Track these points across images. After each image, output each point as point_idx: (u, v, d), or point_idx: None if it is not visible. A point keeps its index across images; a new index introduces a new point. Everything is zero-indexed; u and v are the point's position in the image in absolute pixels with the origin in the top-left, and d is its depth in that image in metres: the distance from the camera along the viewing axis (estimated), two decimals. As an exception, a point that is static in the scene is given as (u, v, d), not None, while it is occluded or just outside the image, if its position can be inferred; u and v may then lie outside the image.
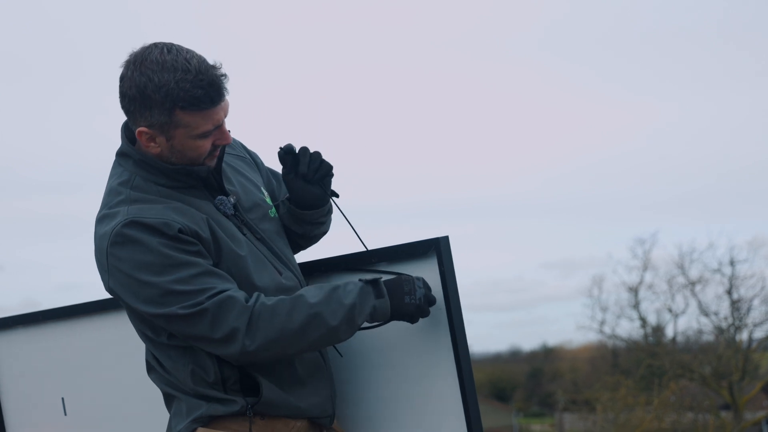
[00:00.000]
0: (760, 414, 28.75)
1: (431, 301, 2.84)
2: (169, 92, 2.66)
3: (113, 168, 2.88)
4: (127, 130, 2.86)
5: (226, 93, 2.72)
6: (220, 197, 2.87)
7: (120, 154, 2.86)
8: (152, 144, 2.76)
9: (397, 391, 3.00)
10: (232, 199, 2.88)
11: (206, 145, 2.77)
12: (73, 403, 3.82)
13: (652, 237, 33.27)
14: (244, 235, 2.86)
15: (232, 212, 2.87)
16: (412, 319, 2.83)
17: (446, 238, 2.88)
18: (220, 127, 2.76)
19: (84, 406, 3.79)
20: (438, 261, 2.87)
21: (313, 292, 2.74)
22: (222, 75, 2.71)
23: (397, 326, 2.93)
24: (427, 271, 2.89)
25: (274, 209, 3.01)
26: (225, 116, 2.76)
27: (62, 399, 3.83)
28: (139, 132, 2.74)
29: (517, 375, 35.28)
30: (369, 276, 2.80)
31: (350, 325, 2.75)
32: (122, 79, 2.73)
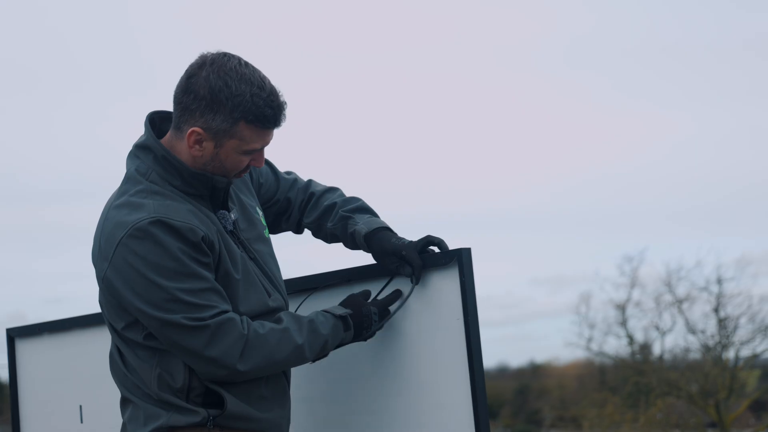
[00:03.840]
0: (747, 432, 28.78)
1: (386, 318, 2.98)
2: (243, 103, 2.73)
3: (129, 159, 2.87)
4: (153, 124, 2.87)
5: (284, 120, 2.80)
6: (222, 211, 2.89)
7: (141, 147, 2.86)
8: (197, 146, 2.78)
9: (407, 399, 3.04)
10: (232, 216, 2.91)
11: (245, 162, 2.82)
12: (91, 412, 3.83)
13: (639, 254, 33.26)
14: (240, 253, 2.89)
15: (231, 228, 2.89)
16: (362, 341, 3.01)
17: (468, 250, 2.93)
18: (261, 150, 2.83)
19: (101, 414, 3.80)
20: (459, 272, 2.92)
21: (294, 325, 2.83)
22: (285, 103, 2.80)
23: (410, 331, 3.00)
24: (447, 282, 2.94)
25: (268, 230, 3.04)
26: (269, 142, 2.83)
27: (80, 407, 3.85)
28: (192, 132, 2.76)
29: (504, 391, 35.16)
30: (338, 310, 2.91)
31: (320, 355, 2.91)
32: (192, 76, 2.76)
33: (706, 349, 28.62)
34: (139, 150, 2.86)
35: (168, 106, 2.87)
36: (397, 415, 3.06)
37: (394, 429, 3.07)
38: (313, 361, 2.91)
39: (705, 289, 28.82)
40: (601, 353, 30.32)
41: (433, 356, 2.99)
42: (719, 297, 28.59)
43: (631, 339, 29.57)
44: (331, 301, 3.10)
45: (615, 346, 30.13)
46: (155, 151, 2.82)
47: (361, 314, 2.93)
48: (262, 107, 2.75)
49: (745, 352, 28.30)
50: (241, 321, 2.76)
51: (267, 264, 2.95)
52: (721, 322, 28.31)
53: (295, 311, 3.18)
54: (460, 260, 2.92)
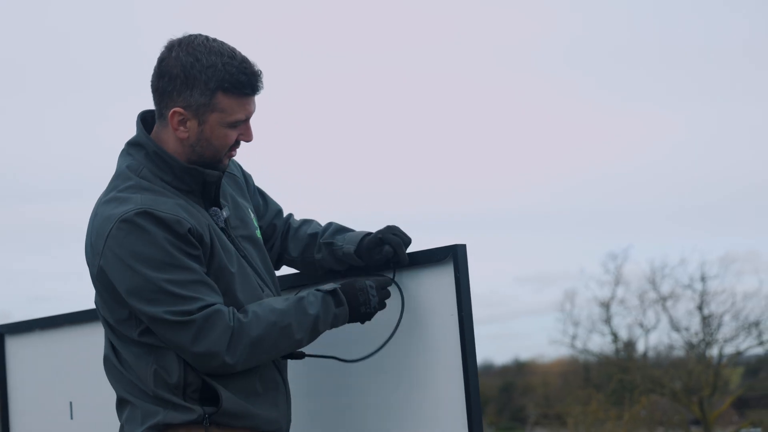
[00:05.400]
0: (730, 429, 28.90)
1: (386, 297, 2.95)
2: (216, 73, 2.75)
3: (120, 157, 2.88)
4: (144, 122, 2.88)
5: (262, 87, 2.81)
6: (214, 208, 2.89)
7: (132, 144, 2.87)
8: (181, 128, 2.79)
9: (401, 394, 3.05)
10: (224, 213, 2.91)
11: (232, 137, 2.82)
12: (81, 408, 3.83)
13: (624, 252, 33.35)
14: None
15: (223, 225, 2.89)
16: (364, 322, 2.93)
17: (463, 247, 2.95)
18: (246, 122, 2.83)
19: (91, 411, 3.81)
20: (454, 268, 2.93)
21: (281, 304, 2.79)
22: (260, 71, 2.81)
23: (404, 327, 2.99)
24: (442, 278, 2.96)
25: (259, 231, 3.03)
26: (253, 113, 2.83)
27: (70, 403, 3.84)
28: (173, 113, 2.78)
29: (489, 389, 35.20)
30: (327, 286, 2.86)
31: (313, 335, 2.84)
32: (163, 60, 2.79)
33: (690, 346, 28.72)
34: (131, 147, 2.87)
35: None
36: (391, 410, 3.06)
37: (389, 423, 3.07)
38: (307, 341, 2.84)
39: (689, 286, 28.92)
40: (585, 351, 30.41)
41: (428, 351, 3.00)
42: (703, 294, 28.69)
43: (615, 336, 29.64)
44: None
45: (599, 343, 30.23)
46: (147, 148, 2.83)
47: (355, 288, 2.88)
48: (235, 74, 2.76)
49: (729, 350, 28.41)
50: (228, 312, 2.74)
51: (256, 262, 2.95)
52: (705, 320, 28.41)
53: None
54: (455, 256, 2.94)
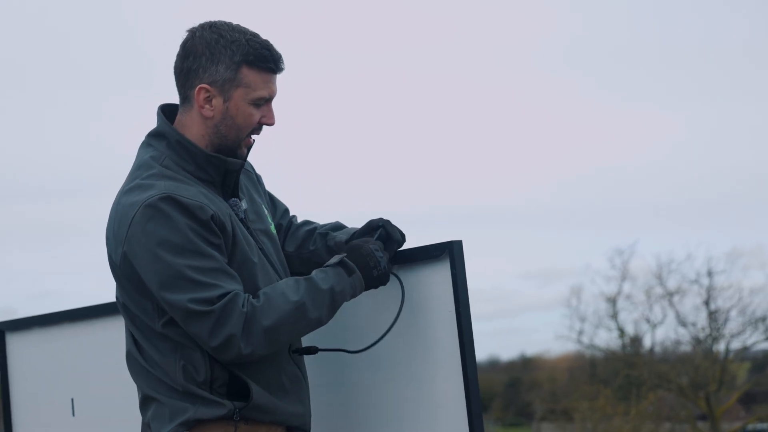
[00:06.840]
0: (737, 424, 28.89)
1: (392, 256, 2.96)
2: (240, 47, 2.82)
3: (141, 148, 2.90)
4: (164, 114, 2.90)
5: (284, 67, 2.88)
6: (233, 199, 2.91)
7: (154, 135, 2.89)
8: (207, 106, 2.83)
9: (400, 391, 3.05)
10: (243, 204, 2.93)
11: (256, 116, 2.85)
12: (82, 405, 3.83)
13: (630, 247, 33.38)
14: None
15: (242, 216, 2.91)
16: (379, 285, 2.93)
17: (459, 243, 2.94)
18: (269, 104, 2.87)
19: (93, 407, 3.81)
20: (451, 264, 2.93)
21: (293, 287, 2.78)
22: (281, 54, 2.88)
23: (402, 324, 2.99)
24: (439, 274, 2.96)
25: (273, 226, 3.05)
26: (275, 94, 2.88)
27: (72, 400, 3.85)
28: (199, 89, 2.82)
29: (495, 384, 35.26)
30: (333, 259, 2.86)
31: (332, 309, 2.83)
32: (186, 42, 2.85)
33: (697, 341, 28.73)
34: (153, 138, 2.89)
35: (169, 101, 2.93)
36: (390, 407, 3.07)
37: (387, 420, 3.08)
38: (328, 318, 2.82)
39: (696, 281, 28.95)
40: (591, 346, 30.44)
41: (426, 348, 3.00)
42: (710, 290, 28.71)
43: (621, 332, 29.66)
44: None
45: (606, 338, 30.25)
46: (169, 137, 2.86)
47: (362, 253, 2.87)
48: (259, 49, 2.83)
49: (736, 345, 28.45)
50: (244, 298, 2.73)
51: (275, 256, 2.96)
52: (712, 315, 28.41)
53: None
54: (452, 253, 2.94)
